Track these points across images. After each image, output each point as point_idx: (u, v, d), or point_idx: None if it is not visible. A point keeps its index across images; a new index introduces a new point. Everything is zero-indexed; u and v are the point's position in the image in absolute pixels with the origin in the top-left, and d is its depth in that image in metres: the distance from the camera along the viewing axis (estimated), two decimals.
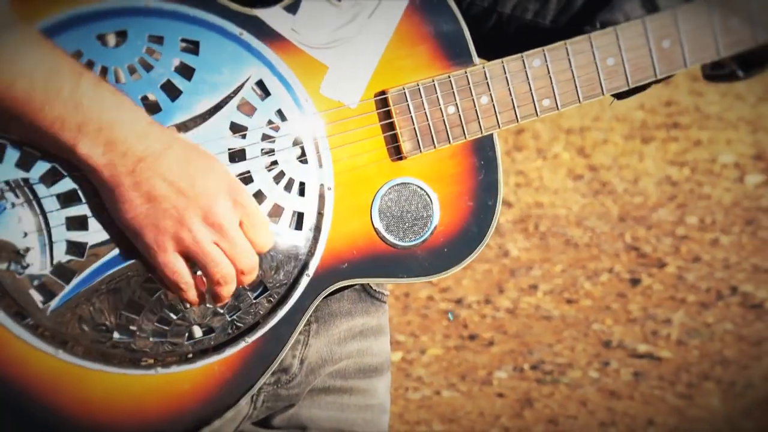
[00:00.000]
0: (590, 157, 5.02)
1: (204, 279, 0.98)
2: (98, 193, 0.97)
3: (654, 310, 3.62)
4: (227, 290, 0.99)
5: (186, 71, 1.00)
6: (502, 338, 3.48)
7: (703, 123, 5.37)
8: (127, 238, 0.98)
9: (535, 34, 1.12)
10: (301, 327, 1.05)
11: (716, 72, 1.11)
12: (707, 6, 1.06)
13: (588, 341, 3.44)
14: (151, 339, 1.01)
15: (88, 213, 0.99)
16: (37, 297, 0.99)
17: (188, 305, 1.00)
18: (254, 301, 1.02)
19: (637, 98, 5.63)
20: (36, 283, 0.99)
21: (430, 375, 3.25)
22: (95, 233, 0.99)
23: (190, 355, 1.02)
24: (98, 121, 0.93)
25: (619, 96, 1.14)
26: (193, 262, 0.98)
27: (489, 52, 1.15)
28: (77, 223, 0.99)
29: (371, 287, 1.17)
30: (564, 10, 1.13)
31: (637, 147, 5.11)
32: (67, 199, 0.99)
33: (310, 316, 1.11)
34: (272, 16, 1.02)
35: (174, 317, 1.01)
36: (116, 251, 0.99)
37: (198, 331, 1.02)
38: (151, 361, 1.01)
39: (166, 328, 1.01)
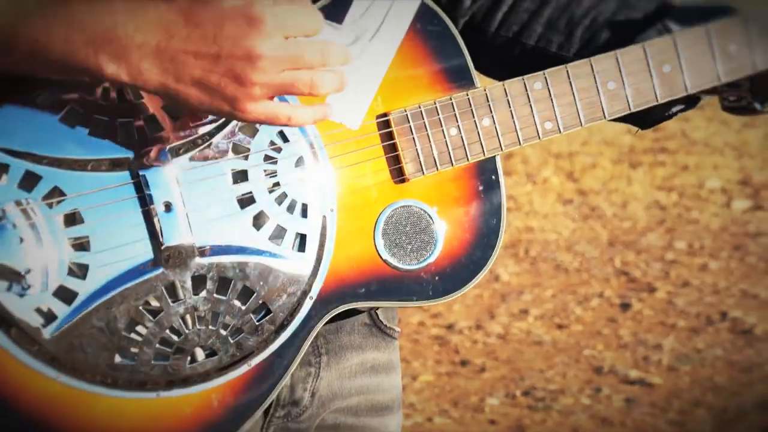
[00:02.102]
0: (579, 181, 5.05)
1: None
2: (102, 213, 0.97)
3: (644, 336, 3.62)
4: (325, 87, 0.94)
5: None
6: (494, 364, 3.47)
7: (689, 148, 5.42)
8: (131, 256, 0.97)
9: (558, 65, 1.11)
10: (304, 350, 1.04)
11: (735, 104, 1.11)
12: (706, 32, 1.07)
13: (579, 367, 3.43)
14: (153, 362, 1.00)
15: (91, 234, 0.99)
16: (38, 320, 0.98)
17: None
18: (257, 324, 1.02)
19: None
20: (37, 305, 0.98)
21: (422, 401, 3.23)
22: (97, 254, 0.99)
23: (192, 379, 1.02)
24: (100, 30, 0.91)
25: (643, 126, 1.13)
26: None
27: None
28: (79, 245, 0.98)
29: (382, 322, 1.15)
30: (587, 44, 1.13)
31: (626, 171, 5.15)
32: (69, 221, 0.99)
33: (321, 348, 1.11)
34: None
35: (176, 339, 1.01)
36: (118, 272, 0.98)
37: (200, 354, 1.02)
38: (153, 384, 1.00)
39: (168, 350, 1.01)
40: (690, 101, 1.13)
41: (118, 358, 1.00)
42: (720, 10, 1.10)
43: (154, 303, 1.00)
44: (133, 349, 1.00)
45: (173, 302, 1.00)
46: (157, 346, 1.00)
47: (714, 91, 1.11)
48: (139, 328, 1.00)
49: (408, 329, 3.70)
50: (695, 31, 1.07)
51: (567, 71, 1.07)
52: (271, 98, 0.94)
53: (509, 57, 1.17)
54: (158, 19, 0.91)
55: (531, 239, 4.47)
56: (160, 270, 0.99)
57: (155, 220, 0.99)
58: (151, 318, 1.00)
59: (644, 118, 1.13)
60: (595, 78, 1.07)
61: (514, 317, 3.81)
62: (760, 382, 3.31)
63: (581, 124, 1.07)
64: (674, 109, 1.14)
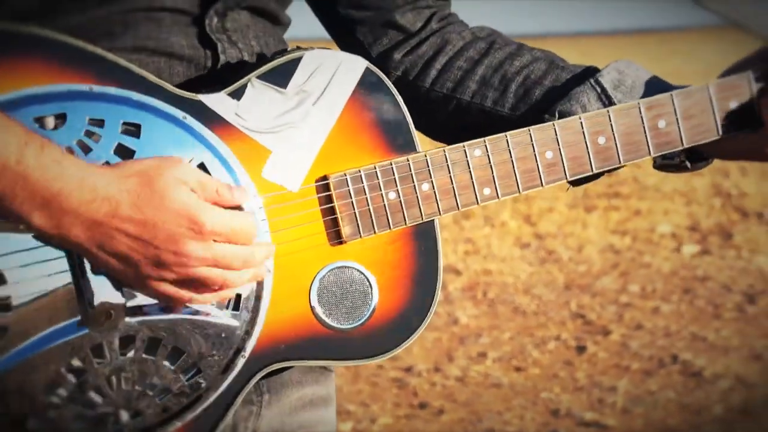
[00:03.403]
0: (536, 225, 5.06)
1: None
2: (27, 273, 0.93)
3: (600, 378, 3.60)
4: (234, 289, 0.97)
5: (125, 153, 0.99)
6: (452, 407, 3.42)
7: (641, 193, 5.48)
8: (44, 323, 0.94)
9: (494, 121, 1.13)
10: (235, 407, 1.01)
11: (666, 162, 1.14)
12: (638, 108, 1.09)
13: (537, 410, 3.40)
14: (73, 424, 0.96)
15: (13, 294, 0.94)
16: None
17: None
18: (186, 383, 1.00)
19: None
20: None
21: None
22: (19, 314, 0.94)
23: None
24: (45, 193, 0.91)
25: (575, 183, 1.15)
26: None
27: (449, 136, 1.15)
28: (1, 306, 0.93)
29: None
30: (522, 100, 1.15)
31: (581, 216, 5.18)
32: None
33: (263, 386, 1.09)
34: (216, 102, 1.02)
35: (99, 401, 0.97)
36: (41, 333, 0.94)
37: (125, 415, 0.98)
38: None
39: (91, 412, 0.96)
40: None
41: (32, 423, 0.95)
42: (649, 76, 1.13)
43: (77, 364, 0.96)
44: (50, 414, 0.95)
45: (98, 363, 0.97)
46: (79, 408, 0.96)
47: None
48: (60, 391, 0.96)
49: (367, 372, 3.64)
50: (628, 106, 1.09)
51: (507, 139, 1.07)
52: (178, 284, 0.95)
53: (445, 113, 1.17)
54: (105, 194, 0.93)
55: (489, 282, 4.45)
56: (86, 331, 0.96)
57: (83, 279, 0.96)
58: (72, 379, 0.96)
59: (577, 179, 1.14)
60: (533, 147, 1.07)
61: (472, 360, 3.77)
62: (709, 424, 3.31)
63: (519, 191, 1.08)
64: (606, 171, 1.15)
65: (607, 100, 1.11)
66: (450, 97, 1.16)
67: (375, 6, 1.15)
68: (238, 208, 0.98)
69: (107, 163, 0.97)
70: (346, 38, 1.17)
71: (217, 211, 0.95)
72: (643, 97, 1.11)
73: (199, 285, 0.96)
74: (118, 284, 0.96)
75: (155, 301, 0.97)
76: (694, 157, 1.13)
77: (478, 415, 3.35)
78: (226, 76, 1.04)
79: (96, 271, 0.96)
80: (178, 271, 0.94)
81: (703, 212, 5.32)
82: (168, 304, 0.97)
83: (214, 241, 0.95)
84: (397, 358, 3.77)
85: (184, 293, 0.96)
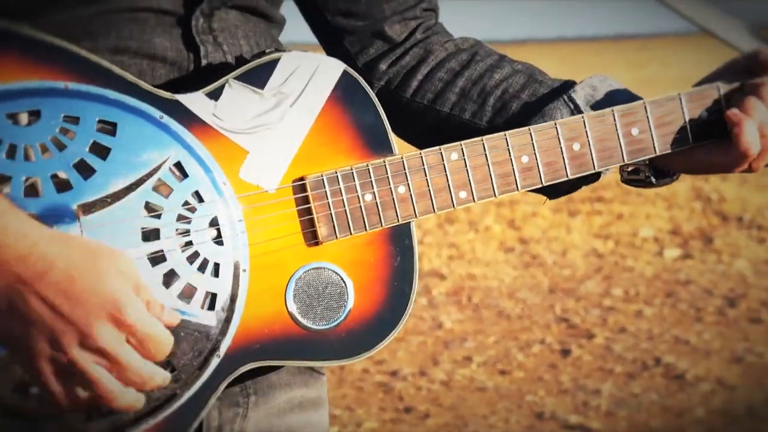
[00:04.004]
0: (521, 229, 5.06)
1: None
2: None
3: (584, 381, 3.60)
4: (112, 405, 0.93)
5: (101, 151, 0.97)
6: (438, 411, 3.40)
7: (624, 198, 5.49)
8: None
9: (472, 133, 1.12)
10: (209, 408, 1.00)
11: (633, 177, 1.15)
12: (612, 115, 1.10)
13: (522, 413, 3.38)
14: (41, 425, 0.94)
15: None
16: None
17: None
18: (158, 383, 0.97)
19: None
20: None
21: None
22: None
23: None
24: None
25: (551, 195, 1.16)
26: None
27: (430, 146, 1.14)
28: None
29: None
30: (499, 113, 1.15)
31: (565, 220, 5.18)
32: None
33: (249, 388, 1.08)
34: (194, 102, 1.01)
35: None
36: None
37: (95, 415, 0.96)
38: None
39: (60, 411, 0.93)
40: (596, 174, 1.17)
41: (1, 423, 0.93)
42: (621, 93, 1.14)
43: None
44: (20, 413, 0.93)
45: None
46: (48, 407, 0.94)
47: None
48: (32, 389, 0.94)
49: (352, 376, 3.62)
50: (602, 113, 1.10)
51: (483, 144, 1.07)
52: (58, 373, 0.91)
53: (424, 123, 1.17)
54: (43, 252, 0.90)
55: (474, 286, 4.44)
56: None
57: None
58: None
59: (554, 189, 1.15)
60: (509, 152, 1.08)
61: (457, 364, 3.75)
62: (691, 425, 3.31)
63: (495, 195, 1.08)
64: (581, 183, 1.17)
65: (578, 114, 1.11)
66: (430, 108, 1.16)
67: (364, 16, 1.15)
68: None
69: (83, 161, 0.95)
70: (333, 46, 1.17)
71: (144, 311, 0.92)
72: None
73: (78, 384, 0.91)
74: None
75: None
76: (658, 173, 1.14)
77: (464, 419, 3.33)
78: (207, 76, 1.03)
79: None
80: (71, 356, 0.90)
81: (684, 216, 5.34)
82: (37, 387, 0.92)
83: (127, 342, 0.92)
84: (383, 362, 3.74)
85: (56, 387, 0.91)
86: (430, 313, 4.17)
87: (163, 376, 0.95)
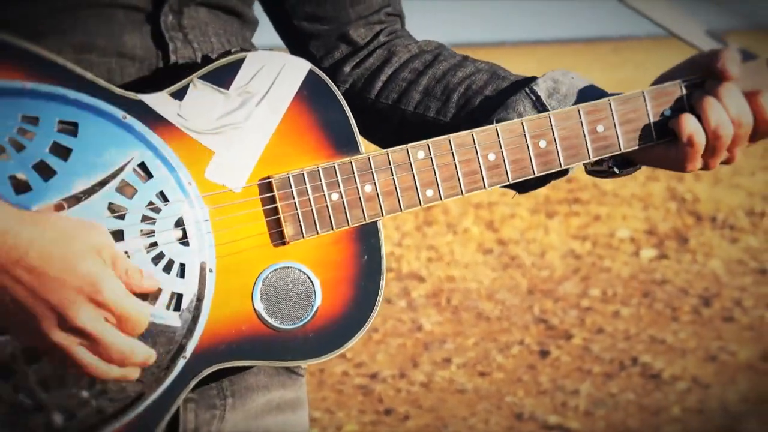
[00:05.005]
0: (499, 231, 5.06)
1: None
2: None
3: (562, 381, 3.60)
4: (107, 378, 0.93)
5: (62, 152, 0.95)
6: (418, 412, 3.39)
7: (600, 199, 5.51)
8: None
9: (438, 131, 1.11)
10: (174, 409, 0.98)
11: (596, 168, 1.14)
12: (577, 112, 1.09)
13: (501, 414, 3.38)
14: (2, 430, 0.91)
15: None
16: None
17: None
18: (123, 385, 0.96)
19: None
20: None
21: None
22: None
23: None
24: None
25: (520, 190, 1.14)
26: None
27: (397, 146, 1.12)
28: None
29: None
30: (463, 108, 1.14)
31: (543, 221, 5.19)
32: None
33: (227, 390, 1.07)
34: (157, 101, 0.99)
35: (29, 403, 0.92)
36: None
37: (58, 418, 0.94)
38: None
39: (21, 416, 0.92)
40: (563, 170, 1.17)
41: None
42: (585, 86, 1.14)
43: (3, 367, 0.93)
44: None
45: (30, 365, 0.93)
46: (8, 411, 0.92)
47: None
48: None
49: (332, 379, 3.59)
50: (569, 110, 1.09)
51: (450, 142, 1.06)
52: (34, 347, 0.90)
53: (390, 123, 1.17)
54: (16, 238, 0.89)
55: (453, 288, 4.43)
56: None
57: None
58: (1, 382, 0.92)
59: (522, 184, 1.15)
60: (476, 150, 1.07)
61: (437, 365, 3.74)
62: (668, 424, 3.33)
63: (462, 193, 1.07)
64: (550, 178, 1.16)
65: (541, 108, 1.11)
66: (394, 108, 1.15)
67: (329, 20, 1.15)
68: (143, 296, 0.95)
69: (42, 162, 0.93)
70: (299, 50, 1.16)
71: (120, 287, 0.92)
72: (576, 104, 1.11)
73: (65, 364, 0.92)
74: None
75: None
76: (622, 163, 1.13)
77: (444, 421, 3.32)
78: (177, 75, 1.00)
79: None
80: (52, 339, 0.90)
81: (660, 216, 5.36)
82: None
83: (106, 320, 0.91)
84: (362, 364, 3.72)
85: (48, 368, 0.91)
86: (410, 315, 4.15)
87: (145, 353, 0.93)
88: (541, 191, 5.53)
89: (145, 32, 1.01)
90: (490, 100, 1.13)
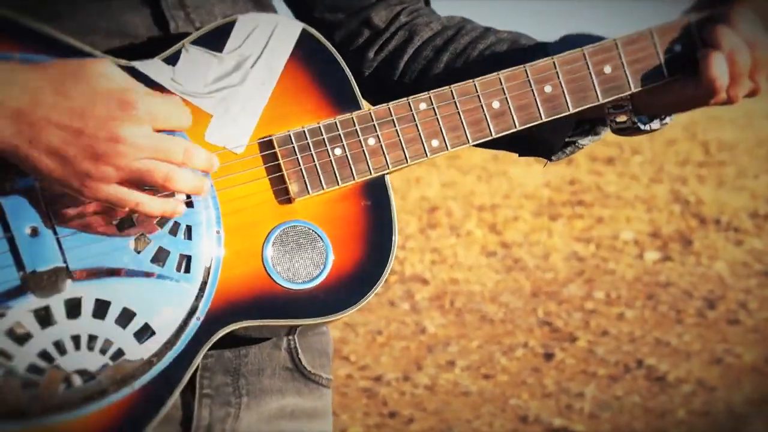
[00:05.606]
0: (502, 233, 5.04)
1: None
2: None
3: (567, 384, 3.58)
4: (180, 183, 0.93)
5: None
6: (422, 415, 3.37)
7: (604, 201, 5.49)
8: None
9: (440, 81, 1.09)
10: (191, 371, 0.97)
11: (622, 125, 1.11)
12: (582, 54, 1.07)
13: (506, 416, 3.36)
14: (21, 390, 0.91)
15: None
16: None
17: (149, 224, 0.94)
18: (140, 345, 0.96)
19: (543, 176, 5.75)
20: None
21: None
22: None
23: (69, 405, 0.93)
24: None
25: (548, 155, 1.12)
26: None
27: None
28: None
29: (305, 367, 1.11)
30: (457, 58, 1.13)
31: (546, 224, 5.17)
32: None
33: (242, 389, 1.07)
34: (151, 68, 0.99)
35: (46, 365, 0.93)
36: None
37: (77, 380, 0.94)
38: (22, 413, 0.92)
39: (38, 377, 0.92)
40: (588, 130, 1.13)
41: None
42: (594, 38, 1.11)
43: (21, 330, 0.93)
44: None
45: (43, 328, 0.94)
46: (25, 374, 0.92)
47: (601, 114, 1.11)
48: (3, 358, 0.92)
49: (336, 382, 3.58)
50: (572, 53, 1.07)
51: (451, 91, 1.05)
52: (123, 182, 0.91)
53: (390, 84, 1.15)
54: (25, 84, 0.88)
55: (456, 291, 4.41)
56: (29, 295, 0.94)
57: (18, 245, 0.94)
58: (17, 345, 0.93)
59: (545, 147, 1.12)
60: (479, 97, 1.05)
61: (441, 368, 3.72)
62: (673, 427, 3.31)
63: (469, 142, 1.05)
64: (572, 139, 1.13)
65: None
66: (416, 87, 1.13)
67: (349, 7, 1.14)
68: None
69: None
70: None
71: (146, 93, 0.92)
72: None
73: (143, 182, 0.91)
74: (59, 246, 0.93)
75: (101, 264, 0.94)
76: (645, 119, 1.11)
77: (448, 423, 3.30)
78: (167, 46, 1.00)
79: (33, 234, 0.92)
80: (117, 163, 0.89)
81: (663, 218, 5.34)
82: (116, 208, 0.92)
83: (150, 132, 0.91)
84: (366, 367, 3.71)
85: (128, 196, 0.91)
86: (413, 318, 4.14)
87: (205, 152, 0.92)
88: (545, 193, 5.52)
89: (145, 12, 1.00)
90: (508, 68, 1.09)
